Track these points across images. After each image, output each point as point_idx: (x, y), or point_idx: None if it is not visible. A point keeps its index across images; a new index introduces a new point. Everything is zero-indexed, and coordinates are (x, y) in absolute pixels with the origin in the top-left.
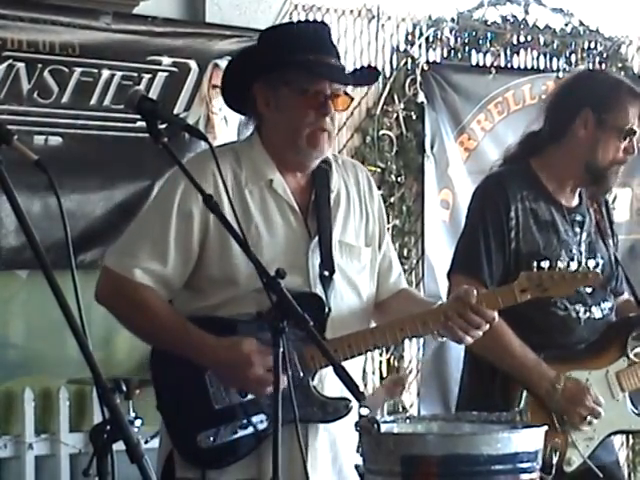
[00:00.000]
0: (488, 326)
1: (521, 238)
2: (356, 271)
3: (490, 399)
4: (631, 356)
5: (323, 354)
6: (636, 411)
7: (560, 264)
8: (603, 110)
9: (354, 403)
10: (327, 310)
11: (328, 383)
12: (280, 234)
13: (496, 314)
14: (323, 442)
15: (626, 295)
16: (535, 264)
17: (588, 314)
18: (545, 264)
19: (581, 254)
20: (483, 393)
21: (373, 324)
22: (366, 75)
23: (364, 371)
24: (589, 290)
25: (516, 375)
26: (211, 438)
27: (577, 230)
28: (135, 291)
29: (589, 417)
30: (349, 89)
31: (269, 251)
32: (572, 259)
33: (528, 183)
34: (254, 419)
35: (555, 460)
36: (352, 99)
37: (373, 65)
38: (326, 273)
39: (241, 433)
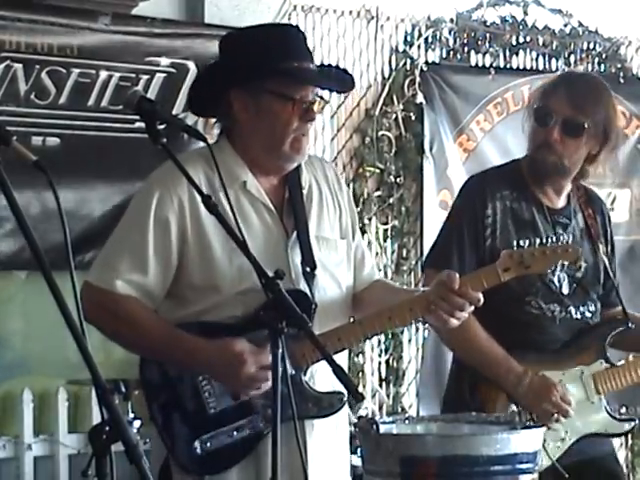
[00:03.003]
0: (473, 307)
1: (497, 236)
2: (335, 264)
3: (462, 402)
4: (611, 360)
5: (321, 353)
6: (614, 414)
7: (538, 241)
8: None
9: (347, 396)
10: (314, 306)
11: (319, 378)
12: (258, 235)
13: (480, 295)
14: (319, 438)
15: (619, 308)
16: (515, 243)
17: (564, 314)
18: (525, 242)
19: None
20: (457, 396)
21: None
22: (346, 79)
23: (363, 372)
24: (566, 291)
25: (484, 370)
26: (208, 444)
27: (559, 231)
28: (118, 303)
29: (556, 414)
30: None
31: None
32: None
33: (512, 183)
34: (249, 421)
35: None
36: (327, 102)
37: (372, 65)
38: (308, 269)
39: (237, 436)
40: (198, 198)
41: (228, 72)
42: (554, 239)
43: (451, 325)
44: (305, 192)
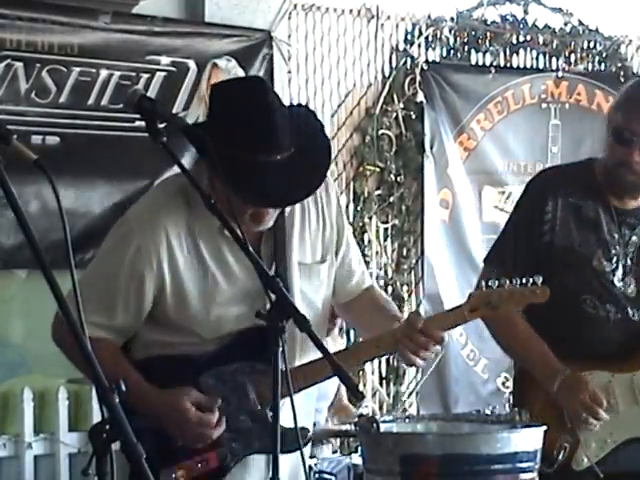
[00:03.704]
0: (438, 347)
1: (557, 232)
2: (314, 290)
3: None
4: None
5: (322, 353)
6: None
7: (537, 277)
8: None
9: (312, 433)
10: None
11: (283, 414)
12: (238, 278)
13: (445, 335)
14: (285, 473)
15: None
16: (483, 284)
17: (620, 315)
18: (493, 283)
19: (626, 256)
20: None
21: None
22: (317, 166)
23: (363, 370)
24: (632, 294)
25: (524, 363)
26: (173, 475)
27: (625, 231)
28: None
29: (584, 415)
30: (350, 84)
31: (229, 297)
32: (610, 259)
33: (580, 180)
34: (215, 454)
35: (561, 457)
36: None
37: (373, 64)
38: None
39: (204, 469)
40: (176, 250)
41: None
42: (618, 239)
43: (416, 364)
44: (287, 216)
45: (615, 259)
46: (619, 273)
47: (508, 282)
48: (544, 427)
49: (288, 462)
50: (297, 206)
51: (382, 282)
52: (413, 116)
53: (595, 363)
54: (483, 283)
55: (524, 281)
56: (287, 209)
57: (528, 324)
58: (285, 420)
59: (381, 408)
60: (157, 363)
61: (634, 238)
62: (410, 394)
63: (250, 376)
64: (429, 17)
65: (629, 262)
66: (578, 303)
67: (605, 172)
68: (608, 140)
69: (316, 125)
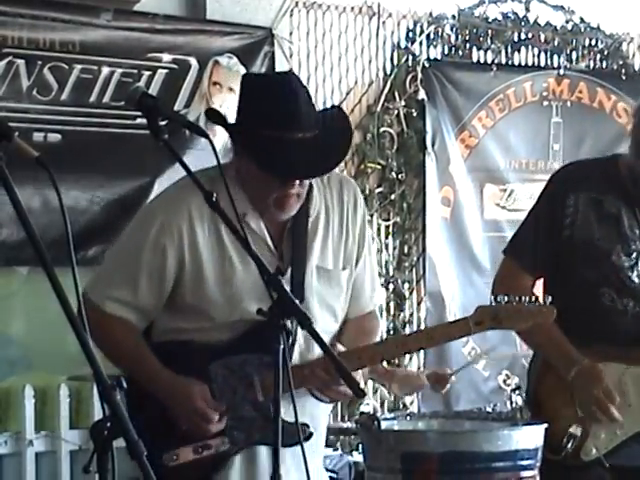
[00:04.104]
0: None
1: (577, 226)
2: (334, 296)
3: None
4: None
5: (324, 350)
6: None
7: (541, 298)
8: None
9: (313, 429)
10: (292, 337)
11: (284, 408)
12: (253, 267)
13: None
14: (289, 466)
15: None
16: (492, 298)
17: (638, 309)
18: (502, 298)
19: None
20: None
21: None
22: (334, 147)
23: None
24: None
25: (543, 352)
26: (174, 457)
27: None
28: (105, 322)
29: (594, 408)
30: (351, 81)
31: (242, 284)
32: (629, 254)
33: (604, 175)
34: (216, 441)
35: (570, 445)
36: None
37: (374, 62)
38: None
39: (204, 453)
40: (198, 229)
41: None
42: (639, 234)
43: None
44: (311, 220)
45: (635, 255)
46: (638, 268)
47: (517, 299)
48: (545, 425)
49: (293, 457)
50: (322, 214)
51: (383, 280)
52: (414, 114)
53: (611, 355)
54: (492, 297)
55: (532, 299)
56: (312, 216)
57: None
58: (286, 415)
59: (382, 405)
60: (171, 348)
61: None
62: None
63: (258, 368)
64: (431, 14)
65: None
66: (596, 296)
67: (629, 169)
68: (635, 137)
69: (339, 113)
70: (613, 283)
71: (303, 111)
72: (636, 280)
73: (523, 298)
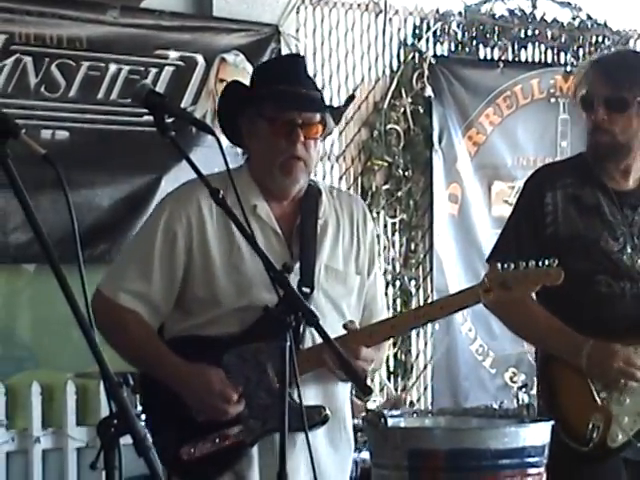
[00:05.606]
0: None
1: (560, 222)
2: (341, 295)
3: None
4: None
5: (330, 347)
6: None
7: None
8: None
9: (329, 412)
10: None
11: (302, 392)
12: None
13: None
14: (302, 452)
15: None
16: (500, 265)
17: (635, 290)
18: (508, 265)
19: (632, 236)
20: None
21: None
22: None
23: None
24: None
25: (546, 346)
26: (192, 450)
27: (628, 213)
28: (119, 314)
29: (622, 380)
30: (358, 78)
31: (251, 271)
32: (617, 239)
33: (575, 171)
34: (233, 431)
35: (595, 435)
36: (325, 127)
37: (381, 59)
38: (305, 289)
39: (220, 445)
40: (206, 218)
41: (233, 99)
42: (621, 219)
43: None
44: (320, 222)
45: (622, 239)
46: (628, 251)
47: (523, 264)
48: (551, 422)
49: (305, 443)
50: (331, 219)
51: (390, 277)
52: (421, 110)
53: (616, 339)
54: (499, 265)
55: (539, 263)
56: (320, 219)
57: (543, 307)
58: (304, 399)
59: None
60: (183, 343)
61: (637, 218)
62: (412, 387)
63: (271, 355)
64: (437, 11)
65: (636, 240)
66: (592, 285)
67: (589, 151)
68: (584, 121)
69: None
70: (607, 268)
71: (306, 76)
72: (628, 262)
73: (530, 263)
